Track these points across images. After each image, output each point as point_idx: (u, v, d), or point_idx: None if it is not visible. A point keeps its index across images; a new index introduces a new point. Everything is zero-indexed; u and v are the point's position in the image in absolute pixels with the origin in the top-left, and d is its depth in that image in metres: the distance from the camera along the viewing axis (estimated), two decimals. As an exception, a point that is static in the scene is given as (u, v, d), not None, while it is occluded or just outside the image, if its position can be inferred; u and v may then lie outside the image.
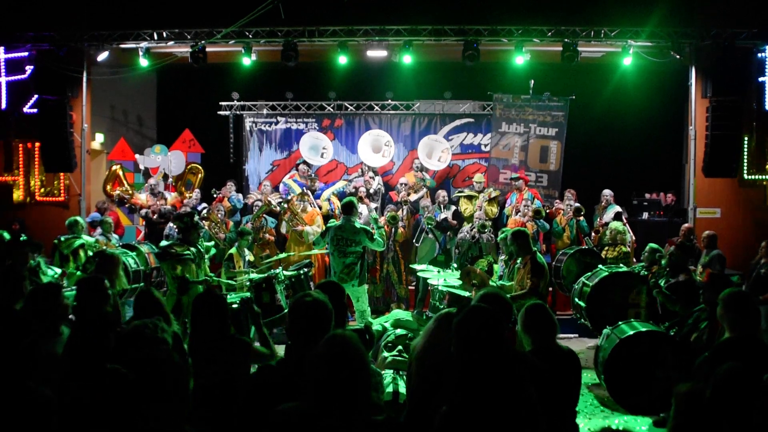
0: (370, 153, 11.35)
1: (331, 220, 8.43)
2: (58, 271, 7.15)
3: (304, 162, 11.23)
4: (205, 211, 9.57)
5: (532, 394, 2.41)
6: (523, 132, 11.22)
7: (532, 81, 11.04)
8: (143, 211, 10.20)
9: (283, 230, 9.73)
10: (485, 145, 11.85)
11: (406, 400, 3.13)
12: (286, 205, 9.58)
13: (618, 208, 9.72)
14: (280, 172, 12.13)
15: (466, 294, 6.08)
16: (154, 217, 9.80)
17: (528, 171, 10.98)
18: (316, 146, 11.51)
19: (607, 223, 9.19)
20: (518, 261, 6.05)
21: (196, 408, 2.89)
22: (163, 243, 7.60)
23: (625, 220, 9.52)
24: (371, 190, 10.68)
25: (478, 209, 9.90)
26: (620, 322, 5.78)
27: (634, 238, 9.57)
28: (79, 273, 7.40)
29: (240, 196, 10.66)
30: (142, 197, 10.42)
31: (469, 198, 10.44)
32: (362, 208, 9.58)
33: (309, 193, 10.08)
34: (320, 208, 10.01)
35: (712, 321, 4.38)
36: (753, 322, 3.55)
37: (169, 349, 2.84)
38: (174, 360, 2.42)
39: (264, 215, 9.54)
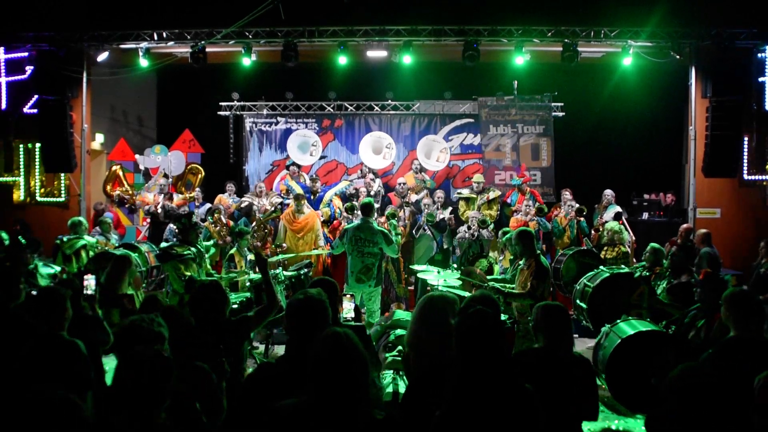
0: (370, 154, 11.33)
1: (350, 225, 7.85)
2: (55, 270, 7.12)
3: (294, 163, 11.21)
4: (209, 216, 9.52)
5: (532, 395, 2.41)
6: (512, 133, 11.31)
7: (516, 82, 11.21)
8: (146, 207, 10.15)
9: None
10: (485, 146, 11.86)
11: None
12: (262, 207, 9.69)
13: (618, 209, 9.73)
14: (280, 173, 12.13)
15: (466, 294, 6.07)
16: (160, 211, 9.76)
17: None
18: (304, 144, 11.49)
19: (605, 223, 9.20)
20: (521, 262, 6.03)
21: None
22: (164, 245, 7.61)
23: (623, 220, 9.51)
24: (372, 192, 10.64)
25: (476, 209, 9.90)
26: (618, 321, 5.77)
27: (633, 238, 9.56)
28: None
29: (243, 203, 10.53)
30: (150, 197, 10.31)
31: (467, 200, 10.39)
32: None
33: (303, 195, 10.03)
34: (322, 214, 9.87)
35: (709, 319, 4.38)
36: (757, 322, 3.53)
37: (164, 345, 2.89)
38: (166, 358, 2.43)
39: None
